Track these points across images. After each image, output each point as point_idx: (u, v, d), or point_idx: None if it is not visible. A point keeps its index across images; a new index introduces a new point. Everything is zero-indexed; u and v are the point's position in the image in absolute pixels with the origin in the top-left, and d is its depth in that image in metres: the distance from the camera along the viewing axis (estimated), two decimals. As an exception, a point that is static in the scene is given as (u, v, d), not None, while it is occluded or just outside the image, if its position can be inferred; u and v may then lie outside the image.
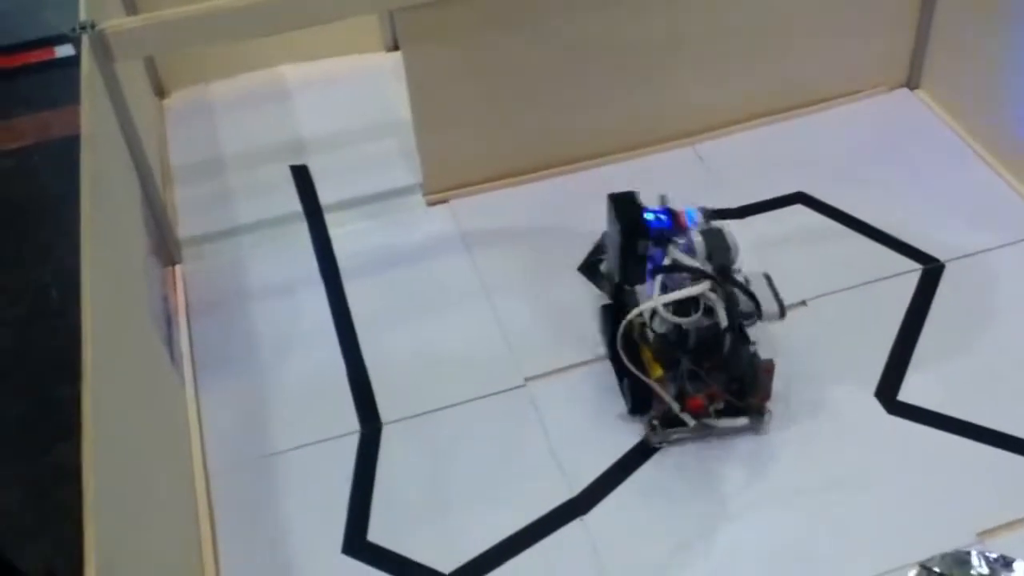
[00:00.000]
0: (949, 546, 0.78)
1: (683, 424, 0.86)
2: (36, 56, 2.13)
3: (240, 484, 0.88)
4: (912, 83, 1.26)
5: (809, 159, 1.16)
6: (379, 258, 1.10)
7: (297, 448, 0.90)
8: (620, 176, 1.16)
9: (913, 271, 1.03)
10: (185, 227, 1.14)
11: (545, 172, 1.17)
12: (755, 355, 0.87)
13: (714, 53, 1.15)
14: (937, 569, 0.76)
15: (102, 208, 0.80)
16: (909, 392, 0.92)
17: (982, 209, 1.09)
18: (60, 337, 1.51)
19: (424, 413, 0.92)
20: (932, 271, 1.03)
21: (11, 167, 1.77)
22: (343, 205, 1.17)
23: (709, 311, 0.83)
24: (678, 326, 0.83)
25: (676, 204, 0.90)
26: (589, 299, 1.02)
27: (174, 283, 1.07)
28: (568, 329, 1.00)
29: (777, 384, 0.90)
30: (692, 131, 1.20)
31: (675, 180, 1.15)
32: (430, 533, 0.83)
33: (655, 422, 0.88)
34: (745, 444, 0.88)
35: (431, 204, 1.16)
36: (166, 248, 1.08)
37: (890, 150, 1.18)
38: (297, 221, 1.15)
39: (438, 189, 1.16)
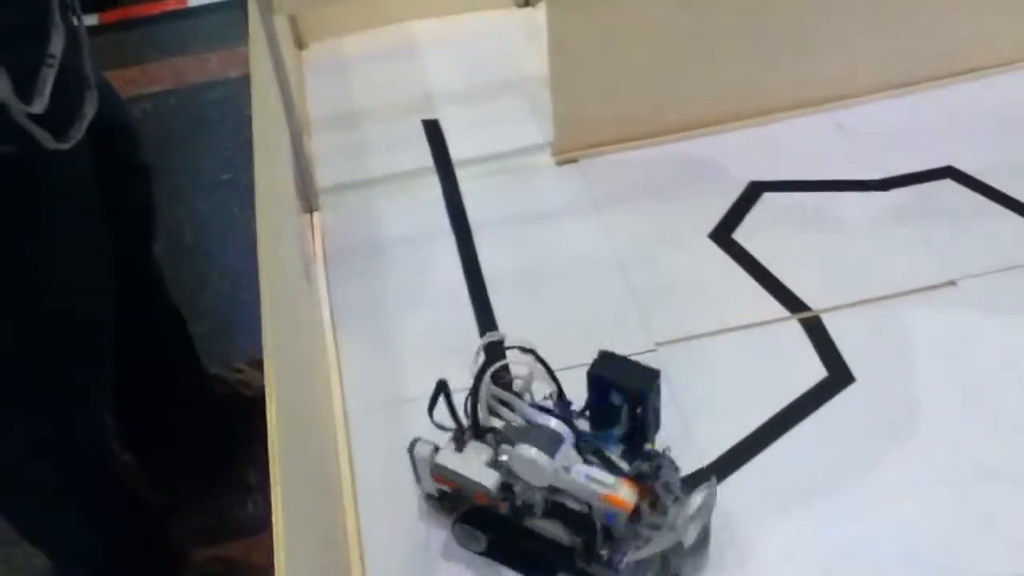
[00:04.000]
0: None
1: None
2: (171, 5, 2.21)
3: (376, 426, 0.90)
4: (1073, 56, 1.20)
5: (960, 132, 1.12)
6: (509, 215, 1.11)
7: (428, 398, 0.91)
8: (755, 141, 1.15)
9: (1073, 254, 0.98)
10: (322, 176, 1.17)
11: (678, 135, 1.16)
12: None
13: (860, 16, 1.11)
14: None
15: (270, 153, 0.83)
16: (1072, 382, 0.87)
17: None
18: (197, 274, 1.57)
19: (556, 371, 0.93)
20: (1094, 256, 0.98)
21: (148, 110, 1.84)
22: (473, 161, 1.18)
23: None
24: None
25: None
26: (722, 267, 1.01)
27: (312, 229, 1.10)
28: (700, 297, 0.99)
29: (921, 367, 0.88)
30: (832, 97, 1.17)
31: (812, 148, 1.13)
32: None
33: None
34: (892, 426, 0.86)
35: (560, 163, 1.16)
36: (305, 195, 1.11)
37: (1048, 126, 1.12)
38: (429, 175, 1.17)
39: (568, 148, 1.16)
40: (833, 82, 1.16)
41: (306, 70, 1.35)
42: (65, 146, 0.79)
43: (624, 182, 1.12)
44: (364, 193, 1.15)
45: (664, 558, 0.74)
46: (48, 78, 0.76)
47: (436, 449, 0.78)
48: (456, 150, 1.20)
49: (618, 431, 0.78)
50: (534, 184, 1.14)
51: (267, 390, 0.63)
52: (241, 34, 0.99)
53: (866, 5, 1.10)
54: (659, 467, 0.75)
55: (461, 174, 1.16)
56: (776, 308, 0.97)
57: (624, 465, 0.75)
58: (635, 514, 0.73)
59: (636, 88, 1.12)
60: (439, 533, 0.82)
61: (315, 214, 1.12)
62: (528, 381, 0.80)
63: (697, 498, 0.74)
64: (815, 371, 0.91)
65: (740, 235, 1.04)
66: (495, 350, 0.80)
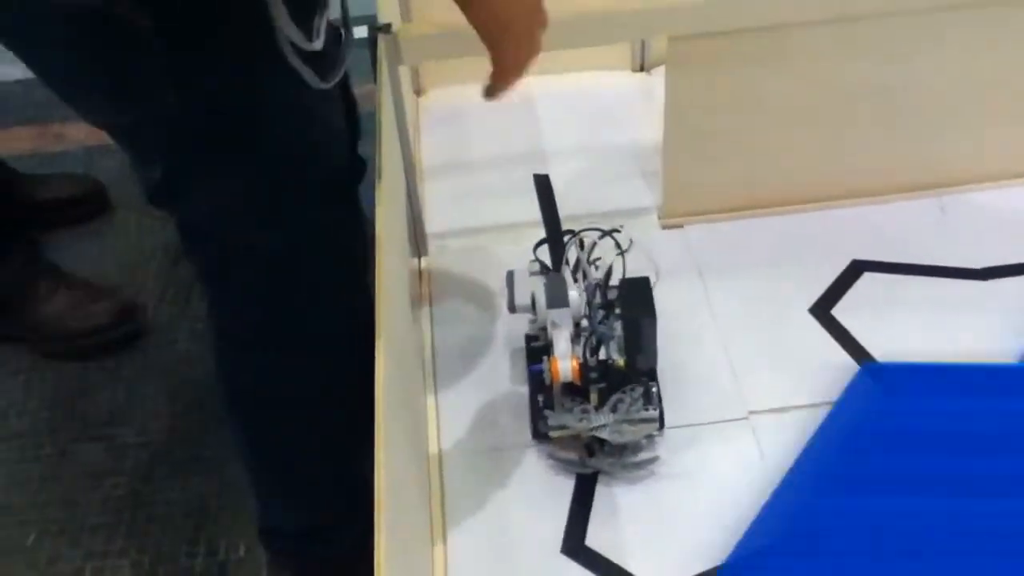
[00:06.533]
0: None
1: None
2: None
3: (469, 473, 0.93)
4: None
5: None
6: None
7: (524, 448, 0.94)
8: (858, 220, 1.15)
9: None
10: (431, 222, 1.21)
11: (785, 208, 1.17)
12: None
13: (975, 103, 1.11)
14: None
15: (390, 194, 0.87)
16: None
17: None
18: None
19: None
20: None
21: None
22: (580, 217, 1.20)
23: None
24: None
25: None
26: (819, 342, 1.02)
27: (419, 274, 1.14)
28: (796, 370, 0.99)
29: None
30: (939, 183, 1.17)
31: (914, 230, 1.13)
32: (646, 549, 0.85)
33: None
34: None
35: (665, 227, 1.18)
36: (415, 240, 1.15)
37: None
38: (536, 228, 1.19)
39: (675, 214, 1.18)
40: (940, 168, 1.16)
41: (422, 116, 1.40)
42: (327, 86, 0.81)
43: (728, 250, 1.14)
44: (472, 241, 1.19)
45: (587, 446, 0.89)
46: (324, 15, 0.76)
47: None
48: (564, 206, 1.22)
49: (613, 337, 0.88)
50: (639, 245, 1.15)
51: (377, 424, 0.65)
52: (360, 71, 1.03)
53: (982, 98, 1.11)
54: (607, 376, 0.87)
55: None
56: (872, 388, 0.97)
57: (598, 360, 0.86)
58: (564, 388, 0.87)
59: (747, 160, 1.14)
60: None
61: (423, 259, 1.16)
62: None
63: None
64: (908, 456, 0.91)
65: (839, 311, 1.05)
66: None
